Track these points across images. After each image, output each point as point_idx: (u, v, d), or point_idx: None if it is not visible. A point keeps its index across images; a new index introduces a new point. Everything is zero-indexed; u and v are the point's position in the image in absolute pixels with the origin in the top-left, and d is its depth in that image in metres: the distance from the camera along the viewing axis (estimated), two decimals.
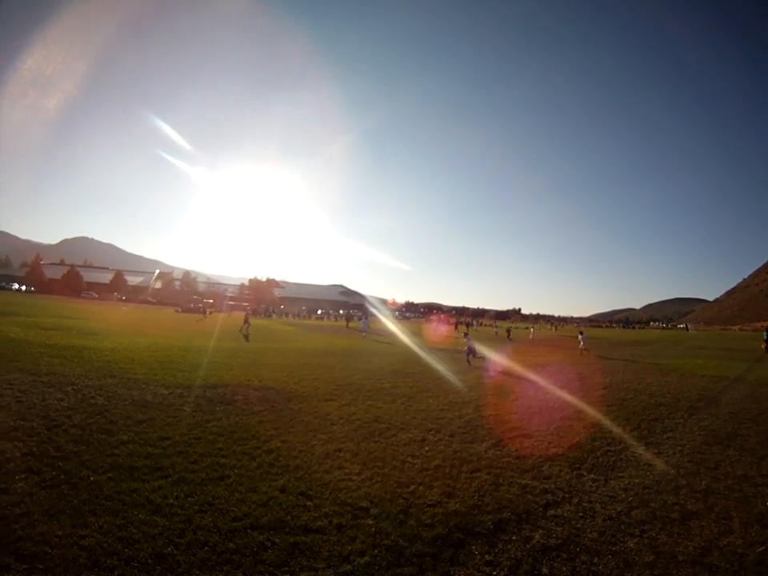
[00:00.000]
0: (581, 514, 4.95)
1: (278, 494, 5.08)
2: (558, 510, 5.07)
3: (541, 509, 5.07)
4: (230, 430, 7.27)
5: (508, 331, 44.66)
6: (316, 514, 4.66)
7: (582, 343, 25.58)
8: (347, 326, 46.00)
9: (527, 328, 71.86)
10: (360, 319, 48.29)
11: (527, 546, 4.28)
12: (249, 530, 4.25)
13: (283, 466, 5.93)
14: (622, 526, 4.70)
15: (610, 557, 4.09)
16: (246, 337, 25.84)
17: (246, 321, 29.35)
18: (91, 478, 5.01)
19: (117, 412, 7.68)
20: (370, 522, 4.57)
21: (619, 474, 6.21)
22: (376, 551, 4.06)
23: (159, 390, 9.60)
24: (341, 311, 76.58)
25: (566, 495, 5.46)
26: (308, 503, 4.90)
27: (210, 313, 61.41)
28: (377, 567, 3.82)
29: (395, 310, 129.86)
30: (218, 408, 8.59)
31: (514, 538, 4.42)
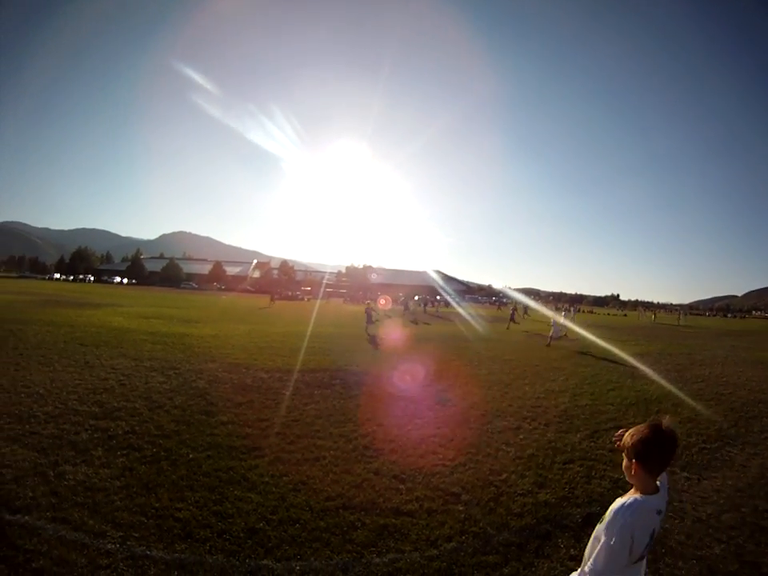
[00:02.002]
0: (670, 514, 4.83)
1: (371, 476, 5.31)
2: None
3: None
4: (328, 413, 7.71)
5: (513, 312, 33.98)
6: (407, 498, 4.83)
7: (552, 330, 21.11)
8: (404, 311, 43.83)
9: (625, 314, 67.41)
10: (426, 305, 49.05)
11: None
12: (340, 510, 4.50)
13: (378, 449, 6.19)
14: (710, 530, 4.62)
15: (695, 562, 4.05)
16: (415, 321, 31.91)
17: (407, 307, 36.67)
18: (190, 456, 5.57)
19: (217, 394, 8.43)
20: (460, 508, 4.70)
21: (713, 474, 6.15)
22: (463, 537, 4.19)
23: (259, 374, 10.36)
24: (438, 297, 76.60)
25: None
26: (400, 486, 5.09)
27: (308, 299, 66.00)
28: (462, 553, 3.93)
29: (492, 296, 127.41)
30: (316, 392, 9.11)
31: None
